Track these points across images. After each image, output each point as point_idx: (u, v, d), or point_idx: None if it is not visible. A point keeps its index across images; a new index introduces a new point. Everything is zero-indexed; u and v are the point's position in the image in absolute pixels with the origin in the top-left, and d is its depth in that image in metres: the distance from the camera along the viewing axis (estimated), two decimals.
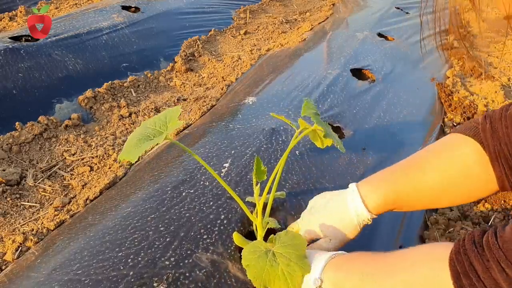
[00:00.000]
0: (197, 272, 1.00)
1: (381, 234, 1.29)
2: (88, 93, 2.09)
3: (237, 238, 1.04)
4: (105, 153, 1.77)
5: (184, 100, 2.21)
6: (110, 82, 2.20)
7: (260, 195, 1.03)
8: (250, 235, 1.12)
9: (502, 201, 1.60)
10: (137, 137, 0.94)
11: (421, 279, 0.73)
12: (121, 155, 0.93)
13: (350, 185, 1.00)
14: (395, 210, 1.00)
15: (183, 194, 1.21)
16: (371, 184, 0.99)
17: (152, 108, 2.09)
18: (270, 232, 1.07)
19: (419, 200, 0.98)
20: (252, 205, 1.10)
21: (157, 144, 1.66)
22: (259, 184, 1.04)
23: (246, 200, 1.16)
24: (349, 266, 0.85)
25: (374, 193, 0.97)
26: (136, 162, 1.64)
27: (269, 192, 1.05)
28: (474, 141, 0.93)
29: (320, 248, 0.98)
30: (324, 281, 0.85)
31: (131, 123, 1.99)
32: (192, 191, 1.21)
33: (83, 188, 1.61)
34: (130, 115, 2.05)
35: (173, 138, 1.74)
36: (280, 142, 1.44)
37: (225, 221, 1.12)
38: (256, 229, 1.06)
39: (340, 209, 0.99)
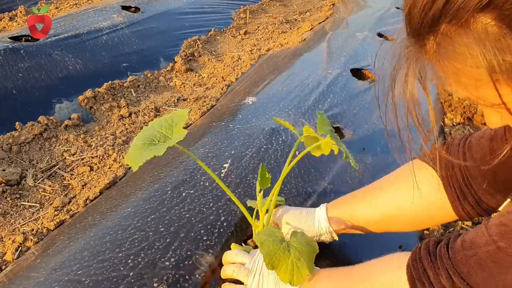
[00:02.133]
0: (197, 274, 1.00)
1: (382, 234, 1.29)
2: (88, 93, 2.09)
3: (234, 248, 1.05)
4: (105, 153, 1.77)
5: (184, 100, 2.21)
6: (110, 82, 2.20)
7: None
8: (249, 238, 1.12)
9: None
10: (143, 139, 0.95)
11: (382, 287, 0.80)
12: (127, 158, 0.94)
13: (321, 205, 1.10)
14: (352, 231, 1.08)
15: (183, 194, 1.21)
16: (334, 204, 1.09)
17: (152, 108, 2.09)
18: None
19: (373, 222, 1.04)
20: (251, 209, 1.10)
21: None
22: (262, 191, 1.04)
23: (247, 204, 1.16)
24: (317, 285, 0.90)
25: (334, 212, 1.07)
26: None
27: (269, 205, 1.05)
28: (429, 167, 0.96)
29: None
30: None
31: (131, 123, 1.99)
32: (192, 191, 1.22)
33: (83, 188, 1.61)
34: (130, 115, 2.05)
35: None
36: (280, 142, 1.44)
37: (225, 223, 1.12)
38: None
39: (309, 217, 1.09)
